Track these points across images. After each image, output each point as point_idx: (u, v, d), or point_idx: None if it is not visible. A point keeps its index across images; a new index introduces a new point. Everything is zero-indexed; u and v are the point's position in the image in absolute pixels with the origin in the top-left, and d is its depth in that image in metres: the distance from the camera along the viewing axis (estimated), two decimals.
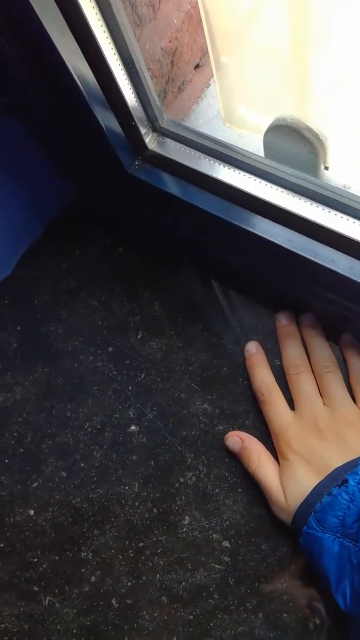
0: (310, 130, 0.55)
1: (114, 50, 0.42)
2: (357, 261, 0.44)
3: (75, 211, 0.66)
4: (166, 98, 0.60)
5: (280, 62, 0.52)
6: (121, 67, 0.43)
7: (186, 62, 0.59)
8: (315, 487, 0.43)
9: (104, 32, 0.40)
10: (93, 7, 0.38)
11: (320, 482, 0.43)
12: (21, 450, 0.55)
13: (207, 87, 0.65)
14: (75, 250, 0.64)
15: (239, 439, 0.50)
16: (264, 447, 0.49)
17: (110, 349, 0.57)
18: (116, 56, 0.42)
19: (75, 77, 0.40)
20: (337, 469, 0.43)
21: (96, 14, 0.39)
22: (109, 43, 0.41)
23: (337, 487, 0.40)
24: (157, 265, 0.61)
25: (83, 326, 0.59)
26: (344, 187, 0.60)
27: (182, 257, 0.61)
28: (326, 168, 0.59)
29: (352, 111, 0.52)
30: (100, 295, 0.61)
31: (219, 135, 0.65)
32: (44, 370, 0.58)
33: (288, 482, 0.46)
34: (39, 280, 0.63)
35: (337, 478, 0.42)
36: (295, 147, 0.57)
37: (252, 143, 0.61)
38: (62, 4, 0.36)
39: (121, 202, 0.59)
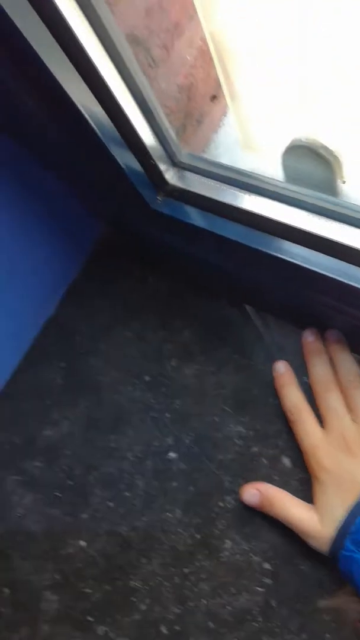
0: (325, 148, 0.56)
1: (128, 94, 0.44)
2: None
3: (107, 246, 0.69)
4: (185, 131, 0.61)
5: (291, 85, 0.54)
6: (136, 109, 0.45)
7: (202, 96, 0.61)
8: (349, 509, 0.43)
9: (117, 77, 0.42)
10: (104, 56, 0.40)
11: (354, 503, 0.43)
12: (70, 482, 0.57)
13: (225, 115, 0.67)
14: (109, 285, 0.66)
15: (255, 491, 0.50)
16: (279, 489, 0.49)
17: (146, 378, 0.59)
18: (131, 99, 0.44)
19: (92, 123, 0.42)
20: None
21: (108, 61, 0.40)
22: (123, 88, 0.43)
23: None
24: (186, 293, 0.63)
25: (120, 358, 0.61)
26: None
27: (209, 282, 0.62)
28: (343, 182, 0.60)
29: None
30: (135, 326, 0.63)
31: (239, 161, 0.67)
32: (86, 403, 0.60)
33: (322, 506, 0.46)
34: (78, 317, 0.65)
35: None
36: (312, 165, 0.58)
37: (271, 165, 0.62)
38: (73, 57, 0.38)
39: (148, 235, 0.61)
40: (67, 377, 0.62)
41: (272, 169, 0.62)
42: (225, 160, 0.68)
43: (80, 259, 0.68)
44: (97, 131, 0.43)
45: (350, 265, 0.46)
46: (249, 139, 0.63)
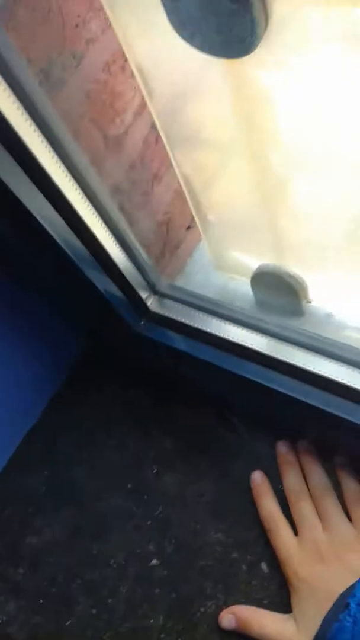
0: (288, 274, 0.63)
1: (112, 237, 0.50)
2: (334, 396, 0.50)
3: (90, 357, 0.74)
4: (164, 258, 0.69)
5: (254, 215, 0.60)
6: (119, 248, 0.52)
7: (178, 227, 0.69)
8: (325, 617, 0.45)
9: (100, 223, 0.48)
10: (88, 206, 0.46)
11: (329, 611, 0.45)
12: (54, 590, 0.59)
13: (199, 241, 0.74)
14: (92, 394, 0.71)
15: (231, 615, 0.52)
16: (254, 608, 0.52)
17: (129, 486, 0.63)
18: (114, 240, 0.51)
19: (78, 263, 0.48)
20: (342, 594, 0.46)
21: (92, 210, 0.47)
22: (107, 233, 0.49)
23: (342, 612, 0.44)
24: (166, 402, 0.68)
25: (103, 466, 0.65)
26: (327, 316, 0.67)
27: (189, 394, 0.67)
28: (309, 302, 0.66)
29: (324, 248, 0.59)
30: (117, 435, 0.67)
31: (213, 281, 0.74)
32: (69, 511, 0.63)
33: (299, 615, 0.49)
34: (61, 425, 0.69)
35: (343, 603, 0.45)
36: (278, 288, 0.65)
37: (242, 286, 0.69)
38: (61, 210, 0.44)
39: (130, 352, 0.67)
40: (50, 484, 0.65)
41: (243, 288, 0.69)
42: (199, 279, 0.75)
43: (64, 369, 0.73)
44: (83, 268, 0.49)
45: (311, 386, 0.52)
46: (221, 262, 0.70)
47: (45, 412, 0.71)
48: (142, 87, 0.45)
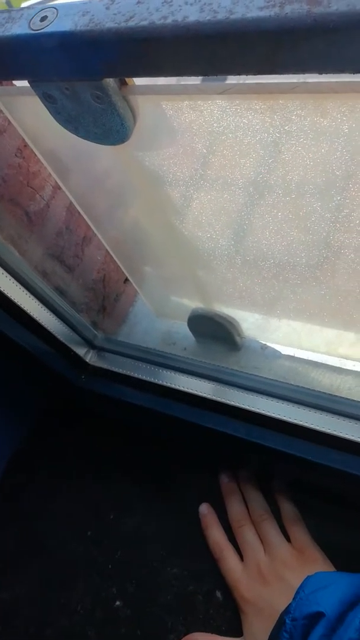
0: (218, 314, 0.67)
1: (44, 308, 0.55)
2: (262, 429, 0.55)
3: (49, 412, 0.78)
4: (106, 310, 0.73)
5: (177, 266, 0.65)
6: (48, 312, 0.56)
7: (115, 281, 0.73)
8: (269, 636, 0.48)
9: (31, 298, 0.53)
10: (15, 285, 0.51)
11: (272, 631, 0.48)
12: None
13: (138, 292, 0.79)
14: (51, 448, 0.74)
15: None
16: (208, 634, 0.55)
17: (89, 533, 0.66)
18: (40, 306, 0.55)
19: (18, 341, 0.53)
20: (282, 612, 0.48)
21: (15, 284, 0.51)
22: (37, 305, 0.54)
23: (280, 630, 0.47)
24: (121, 449, 0.71)
25: (66, 517, 0.68)
26: (262, 348, 0.71)
27: (141, 439, 0.71)
28: (242, 338, 0.71)
29: (240, 290, 0.64)
30: (77, 484, 0.70)
31: (157, 326, 0.78)
32: (37, 565, 0.66)
33: (248, 636, 0.52)
34: (24, 481, 0.73)
35: (282, 620, 0.47)
36: (212, 328, 0.69)
37: (184, 329, 0.74)
38: None
39: (81, 404, 0.70)
40: (19, 540, 0.68)
41: (185, 331, 0.73)
42: (144, 326, 0.79)
43: (23, 427, 0.77)
44: (23, 344, 0.54)
45: (247, 423, 0.56)
46: (159, 309, 0.75)
47: (7, 470, 0.74)
48: (50, 170, 0.50)
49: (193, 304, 0.69)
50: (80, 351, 0.61)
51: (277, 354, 0.69)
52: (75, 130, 0.41)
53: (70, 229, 0.62)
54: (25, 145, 0.53)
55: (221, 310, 0.67)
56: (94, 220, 0.56)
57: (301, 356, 0.66)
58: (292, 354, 0.67)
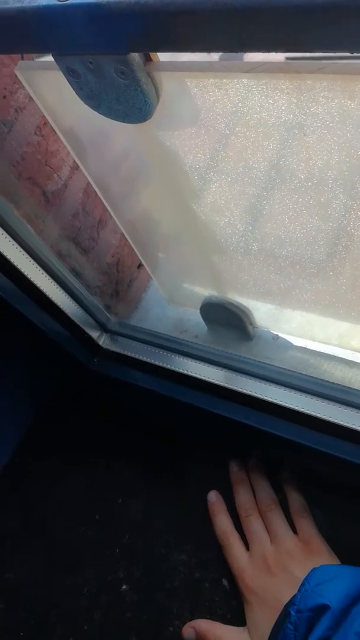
0: (231, 303, 0.67)
1: (54, 284, 0.54)
2: (279, 419, 0.54)
3: (58, 397, 0.78)
4: (119, 295, 0.73)
5: (192, 252, 0.65)
6: (64, 293, 0.56)
7: (129, 266, 0.73)
8: (273, 627, 0.48)
9: (42, 274, 0.52)
10: (29, 261, 0.50)
11: (276, 621, 0.48)
12: (32, 622, 0.61)
13: (152, 278, 0.79)
14: (59, 434, 0.74)
15: (190, 629, 0.54)
16: (212, 621, 0.55)
17: (97, 517, 0.66)
18: (57, 287, 0.55)
19: (32, 319, 0.53)
20: (286, 604, 0.48)
21: (32, 263, 0.51)
22: (54, 286, 0.54)
23: (284, 622, 0.47)
24: (129, 435, 0.71)
25: (72, 501, 0.68)
26: (273, 338, 0.71)
27: (150, 426, 0.71)
28: (255, 327, 0.70)
29: (255, 279, 0.63)
30: (84, 470, 0.70)
31: (169, 313, 0.78)
32: (43, 546, 0.66)
33: (252, 625, 0.52)
34: (32, 464, 0.73)
35: (286, 612, 0.46)
36: (224, 316, 0.69)
37: (196, 317, 0.73)
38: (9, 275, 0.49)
39: (90, 389, 0.70)
40: (24, 522, 0.68)
41: (196, 319, 0.73)
42: (156, 313, 0.79)
43: (32, 412, 0.77)
44: (37, 324, 0.54)
45: (258, 411, 0.56)
46: (171, 297, 0.74)
47: (18, 451, 0.74)
48: (69, 149, 0.50)
49: (206, 291, 0.69)
50: (94, 334, 0.61)
51: (289, 345, 0.69)
52: (97, 107, 0.41)
53: (86, 210, 0.62)
54: (45, 124, 0.53)
55: (234, 298, 0.67)
56: (111, 203, 0.55)
57: (313, 348, 0.66)
58: (304, 345, 0.66)
